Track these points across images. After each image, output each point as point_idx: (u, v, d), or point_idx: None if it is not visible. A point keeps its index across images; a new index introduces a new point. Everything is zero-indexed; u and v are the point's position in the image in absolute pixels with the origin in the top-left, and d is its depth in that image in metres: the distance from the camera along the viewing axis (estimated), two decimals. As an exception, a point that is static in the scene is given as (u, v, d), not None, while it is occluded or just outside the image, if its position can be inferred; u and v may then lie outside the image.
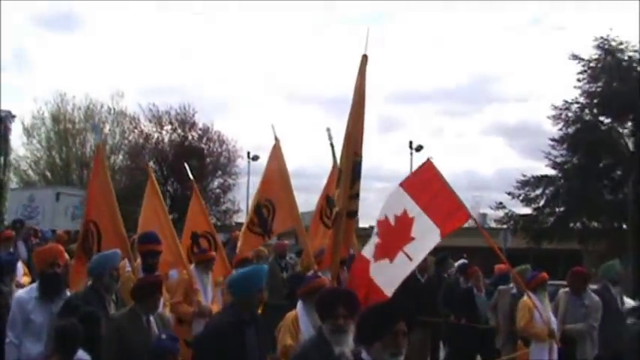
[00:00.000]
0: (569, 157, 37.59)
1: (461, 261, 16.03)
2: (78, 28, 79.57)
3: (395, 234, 8.56)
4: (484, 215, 46.15)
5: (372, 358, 4.58)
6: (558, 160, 37.62)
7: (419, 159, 40.48)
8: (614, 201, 36.19)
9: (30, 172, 45.14)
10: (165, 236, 9.84)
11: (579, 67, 36.88)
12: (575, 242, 36.97)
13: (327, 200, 11.35)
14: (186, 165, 13.10)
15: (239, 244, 11.62)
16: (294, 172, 12.16)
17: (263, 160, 41.56)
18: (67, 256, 9.43)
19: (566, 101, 37.20)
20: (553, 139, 37.57)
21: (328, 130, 11.22)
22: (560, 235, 36.25)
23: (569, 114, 37.22)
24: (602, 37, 36.51)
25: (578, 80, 36.90)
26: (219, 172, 46.11)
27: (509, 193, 37.74)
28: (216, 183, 46.54)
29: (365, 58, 8.13)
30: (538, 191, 37.71)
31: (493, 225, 41.96)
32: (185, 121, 46.93)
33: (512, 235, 35.86)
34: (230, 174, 46.51)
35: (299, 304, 7.95)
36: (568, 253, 35.81)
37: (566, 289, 12.01)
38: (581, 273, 11.96)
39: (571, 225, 37.53)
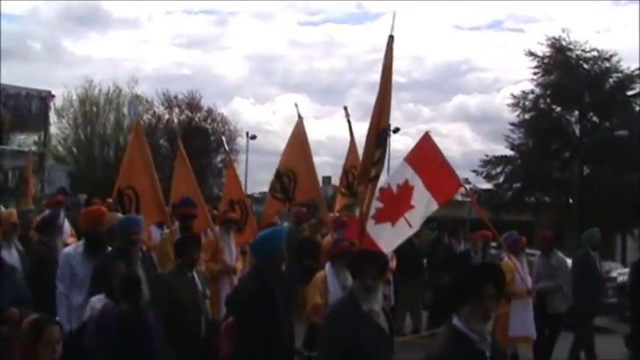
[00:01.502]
0: (526, 140, 38.80)
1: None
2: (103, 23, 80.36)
3: (397, 201, 8.52)
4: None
5: (463, 324, 3.99)
6: (516, 142, 38.84)
7: (396, 139, 42.31)
8: (563, 179, 37.15)
9: (59, 147, 45.72)
10: (197, 202, 9.78)
11: (535, 63, 38.24)
12: (529, 214, 38.19)
13: (344, 173, 11.56)
14: (224, 139, 12.00)
15: (264, 208, 11.66)
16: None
17: (260, 139, 43.14)
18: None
19: (524, 91, 38.56)
20: (512, 124, 38.71)
21: (345, 108, 11.36)
22: (517, 208, 37.66)
23: (526, 103, 38.38)
24: (554, 37, 37.91)
25: (534, 74, 38.27)
26: (222, 149, 46.37)
27: (473, 171, 38.59)
28: (219, 158, 47.51)
29: (391, 38, 7.91)
30: (498, 169, 38.76)
31: (459, 198, 43.44)
32: (192, 104, 48.21)
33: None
34: (231, 151, 45.71)
35: (327, 265, 7.93)
36: (523, 224, 37.22)
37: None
38: (547, 237, 12.37)
39: (526, 199, 38.77)
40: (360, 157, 8.78)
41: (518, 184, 38.86)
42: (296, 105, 11.07)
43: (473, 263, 12.55)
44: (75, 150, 46.86)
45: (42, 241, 8.78)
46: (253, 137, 46.57)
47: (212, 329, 7.09)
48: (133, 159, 9.88)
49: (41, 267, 8.16)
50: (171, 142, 45.11)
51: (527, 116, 38.72)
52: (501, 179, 39.21)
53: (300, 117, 10.94)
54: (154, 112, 48.10)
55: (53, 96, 29.91)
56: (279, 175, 10.95)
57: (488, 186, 39.52)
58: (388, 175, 8.97)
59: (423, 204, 8.63)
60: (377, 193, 8.36)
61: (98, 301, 6.33)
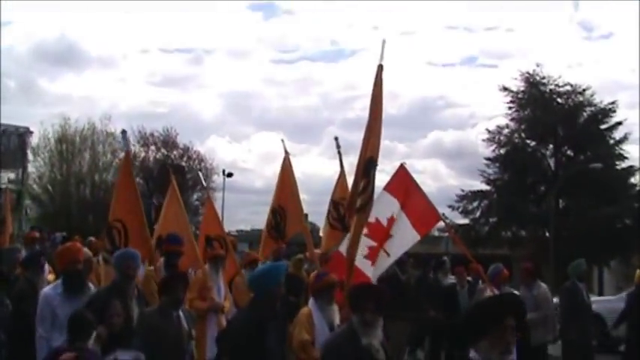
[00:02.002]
0: (501, 174, 38.97)
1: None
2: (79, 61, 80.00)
3: (384, 235, 8.32)
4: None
5: (481, 357, 3.79)
6: (492, 177, 38.95)
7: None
8: (539, 213, 37.19)
9: (35, 186, 45.24)
10: (185, 239, 9.57)
11: (509, 98, 38.52)
12: (505, 248, 37.99)
13: (333, 204, 11.25)
14: (200, 175, 11.78)
15: (261, 246, 11.52)
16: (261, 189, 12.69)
17: (236, 177, 43.16)
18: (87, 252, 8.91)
19: (499, 126, 38.72)
20: (487, 159, 38.82)
21: (336, 138, 11.12)
22: (493, 242, 37.71)
23: (501, 137, 38.55)
24: (527, 72, 38.25)
25: (509, 108, 38.55)
26: (199, 187, 46.14)
27: (449, 206, 38.42)
28: (195, 196, 47.13)
29: (380, 68, 7.86)
30: (474, 204, 38.76)
31: (436, 234, 43.58)
32: (168, 142, 48.11)
33: (452, 242, 37.21)
34: (208, 188, 46.79)
35: (311, 301, 7.69)
36: (500, 258, 37.04)
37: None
38: (529, 268, 12.19)
39: (502, 233, 38.83)
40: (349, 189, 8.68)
41: (495, 219, 38.84)
42: (282, 141, 11.21)
43: (459, 299, 12.78)
44: (50, 188, 46.21)
45: (26, 278, 8.62)
46: (230, 175, 46.46)
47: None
48: (120, 192, 9.72)
49: (25, 304, 7.98)
50: (146, 180, 45.43)
51: (502, 151, 38.91)
52: (478, 214, 39.18)
53: (286, 152, 11.02)
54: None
55: (31, 132, 29.52)
56: (274, 213, 11.03)
57: (464, 221, 39.53)
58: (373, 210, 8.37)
59: (403, 233, 8.43)
60: (366, 230, 8.15)
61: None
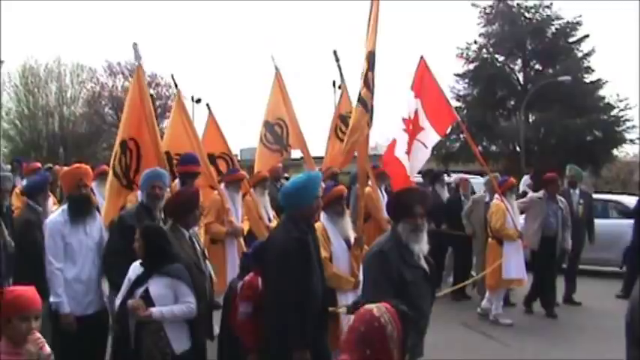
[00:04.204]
0: (470, 90, 39.07)
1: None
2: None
3: (414, 128, 8.35)
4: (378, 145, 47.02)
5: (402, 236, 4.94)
6: (461, 93, 39.14)
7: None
8: (509, 127, 37.63)
9: (2, 122, 44.03)
10: (200, 158, 8.92)
11: (477, 13, 38.46)
12: (477, 164, 38.01)
13: (340, 118, 10.87)
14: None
15: (256, 161, 10.76)
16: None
17: (204, 103, 42.93)
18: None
19: (467, 42, 38.68)
20: (457, 75, 38.88)
21: (335, 52, 10.46)
22: (465, 158, 36.82)
23: (470, 53, 38.62)
24: None
25: (477, 24, 38.58)
26: (168, 114, 43.75)
27: None
28: (165, 123, 45.04)
29: None
30: None
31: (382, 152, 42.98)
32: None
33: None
34: None
35: (322, 214, 7.08)
36: (472, 173, 37.30)
37: (532, 195, 12.12)
38: (555, 178, 11.80)
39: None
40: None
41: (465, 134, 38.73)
42: (272, 57, 10.76)
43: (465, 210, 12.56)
44: (19, 123, 45.50)
45: (30, 207, 7.97)
46: (198, 101, 45.86)
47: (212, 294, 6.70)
48: (132, 108, 8.54)
49: (31, 234, 7.38)
50: (116, 109, 44.66)
51: (471, 66, 38.94)
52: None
53: (276, 68, 10.55)
54: (97, 79, 47.07)
55: (2, 61, 28.00)
56: (268, 125, 10.44)
57: (434, 137, 39.08)
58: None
59: (428, 127, 8.46)
60: (402, 125, 8.20)
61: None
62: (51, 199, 9.15)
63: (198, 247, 6.57)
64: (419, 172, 13.13)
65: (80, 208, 6.62)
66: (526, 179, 20.36)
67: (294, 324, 5.26)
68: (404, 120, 8.39)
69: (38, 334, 4.12)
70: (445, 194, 13.45)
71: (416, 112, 8.38)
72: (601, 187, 33.64)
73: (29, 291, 4.14)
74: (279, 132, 10.39)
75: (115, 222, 6.92)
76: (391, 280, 4.86)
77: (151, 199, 6.82)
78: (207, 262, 6.84)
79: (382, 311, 3.09)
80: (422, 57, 8.81)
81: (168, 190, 7.69)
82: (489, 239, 11.19)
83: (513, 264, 10.75)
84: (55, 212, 6.94)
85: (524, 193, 18.89)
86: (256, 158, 10.81)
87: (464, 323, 10.91)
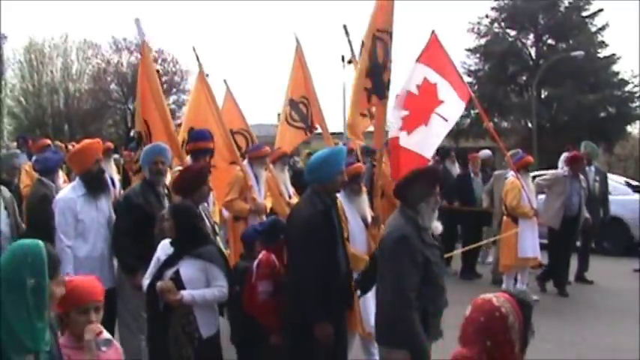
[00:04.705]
0: (482, 65, 38.72)
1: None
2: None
3: (422, 101, 7.97)
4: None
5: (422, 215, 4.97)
6: (472, 68, 38.74)
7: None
8: (520, 103, 37.33)
9: (7, 99, 43.90)
10: (220, 133, 8.86)
11: None
12: (488, 140, 36.67)
13: (290, 104, 10.48)
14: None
15: (277, 138, 10.50)
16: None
17: (211, 78, 42.94)
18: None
19: (479, 16, 38.38)
20: (468, 50, 38.42)
21: (345, 26, 10.17)
22: (475, 134, 37.28)
23: (481, 27, 38.33)
24: None
25: None
26: (174, 90, 46.06)
27: None
28: (171, 99, 45.70)
29: None
30: None
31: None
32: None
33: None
34: (183, 91, 46.23)
35: (340, 194, 6.80)
36: (481, 150, 37.06)
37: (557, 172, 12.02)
38: (580, 157, 11.79)
39: (484, 125, 38.84)
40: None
41: (476, 110, 38.22)
42: (294, 33, 10.45)
43: (474, 187, 12.75)
44: (23, 100, 45.38)
45: (43, 183, 8.03)
46: (206, 76, 45.59)
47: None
48: (142, 88, 8.41)
49: (47, 209, 7.18)
50: (121, 85, 44.84)
51: (482, 41, 38.66)
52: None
53: (297, 41, 10.30)
54: (103, 55, 46.81)
55: (6, 37, 28.00)
56: (293, 104, 10.20)
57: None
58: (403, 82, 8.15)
59: (451, 99, 8.13)
60: (395, 102, 7.86)
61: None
62: (62, 176, 9.20)
63: (208, 224, 6.57)
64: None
65: (98, 184, 6.70)
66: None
67: (318, 299, 5.29)
68: (398, 97, 8.01)
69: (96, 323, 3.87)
70: (456, 170, 13.55)
71: (425, 85, 8.08)
72: (614, 165, 33.31)
73: (87, 281, 3.96)
74: (304, 111, 10.13)
75: (121, 201, 6.90)
76: (418, 266, 4.83)
77: (154, 175, 6.85)
78: (218, 238, 6.86)
79: (502, 301, 3.03)
80: (433, 32, 8.62)
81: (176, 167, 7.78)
82: (504, 217, 11.16)
83: (529, 242, 10.70)
84: (66, 189, 6.93)
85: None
86: (278, 136, 10.53)
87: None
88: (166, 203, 6.66)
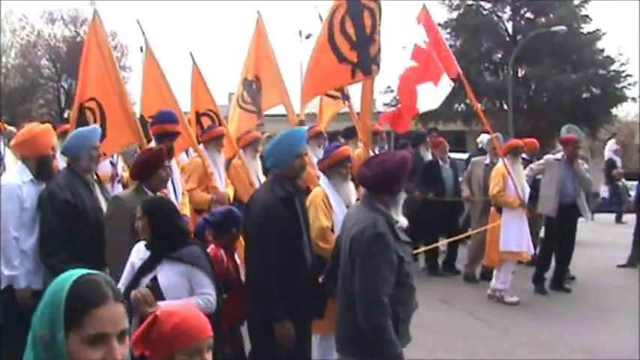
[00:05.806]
0: (453, 41, 37.49)
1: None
2: None
3: (433, 59, 8.61)
4: (374, 100, 45.32)
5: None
6: (443, 44, 37.80)
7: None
8: (495, 82, 36.54)
9: None
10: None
11: None
12: (459, 123, 37.30)
13: (243, 83, 10.36)
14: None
15: (235, 124, 10.28)
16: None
17: (176, 52, 40.69)
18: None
19: (450, -12, 37.72)
20: (438, 24, 37.15)
21: (317, 7, 10.18)
22: (445, 117, 36.01)
23: (453, 0, 37.54)
24: None
25: None
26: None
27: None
28: None
29: None
30: None
31: (381, 109, 41.78)
32: (76, 18, 44.30)
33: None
34: (124, 68, 43.34)
35: (323, 180, 6.81)
36: (452, 134, 35.97)
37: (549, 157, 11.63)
38: (575, 140, 11.31)
39: (455, 106, 36.97)
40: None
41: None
42: (258, 12, 10.40)
43: (442, 174, 12.54)
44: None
45: None
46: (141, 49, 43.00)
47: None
48: (90, 65, 8.01)
49: None
50: (54, 61, 43.40)
51: (453, 15, 38.00)
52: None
53: (258, 13, 10.22)
54: (33, 27, 44.59)
55: None
56: (246, 83, 10.09)
57: (415, 94, 37.53)
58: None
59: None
60: (406, 53, 8.28)
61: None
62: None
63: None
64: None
65: (47, 170, 6.52)
66: (612, 144, 20.08)
67: (277, 293, 5.27)
68: (413, 49, 8.59)
69: None
70: (429, 157, 13.07)
71: (435, 43, 8.78)
72: (598, 150, 31.91)
73: (195, 314, 2.90)
74: (255, 91, 10.06)
75: (44, 197, 6.39)
76: (393, 266, 4.65)
77: (94, 162, 6.64)
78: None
79: None
80: (424, 6, 9.10)
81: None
82: (491, 207, 10.89)
83: (512, 235, 10.36)
84: (9, 173, 6.79)
85: (611, 161, 19.69)
86: (230, 121, 10.28)
87: (443, 300, 10.71)
88: (98, 191, 6.55)
